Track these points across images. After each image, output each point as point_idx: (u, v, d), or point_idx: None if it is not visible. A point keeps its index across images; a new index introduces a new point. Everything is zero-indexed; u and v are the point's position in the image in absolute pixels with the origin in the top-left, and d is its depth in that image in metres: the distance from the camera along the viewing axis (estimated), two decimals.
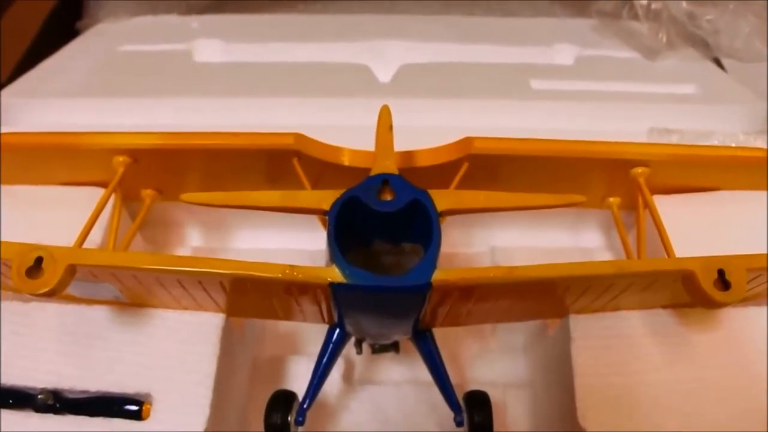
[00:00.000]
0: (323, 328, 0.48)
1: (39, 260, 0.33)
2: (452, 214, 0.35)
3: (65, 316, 0.41)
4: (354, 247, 0.35)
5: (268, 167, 0.43)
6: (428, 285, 0.32)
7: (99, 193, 0.44)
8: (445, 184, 0.39)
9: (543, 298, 0.38)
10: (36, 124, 0.50)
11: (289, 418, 0.39)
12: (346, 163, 0.40)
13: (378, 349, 0.44)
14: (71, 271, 0.33)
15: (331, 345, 0.40)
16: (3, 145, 0.42)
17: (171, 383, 0.38)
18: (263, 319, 0.44)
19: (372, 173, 0.35)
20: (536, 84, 0.52)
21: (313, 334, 0.49)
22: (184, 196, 0.35)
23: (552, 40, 0.58)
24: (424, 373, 0.48)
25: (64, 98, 0.51)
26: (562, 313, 0.40)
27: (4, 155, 0.42)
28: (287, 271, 0.33)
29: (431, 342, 0.41)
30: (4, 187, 0.45)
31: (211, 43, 0.57)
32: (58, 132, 0.41)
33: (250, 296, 0.39)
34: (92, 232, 0.42)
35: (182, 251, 0.49)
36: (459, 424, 0.40)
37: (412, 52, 0.55)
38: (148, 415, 0.38)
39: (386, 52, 0.55)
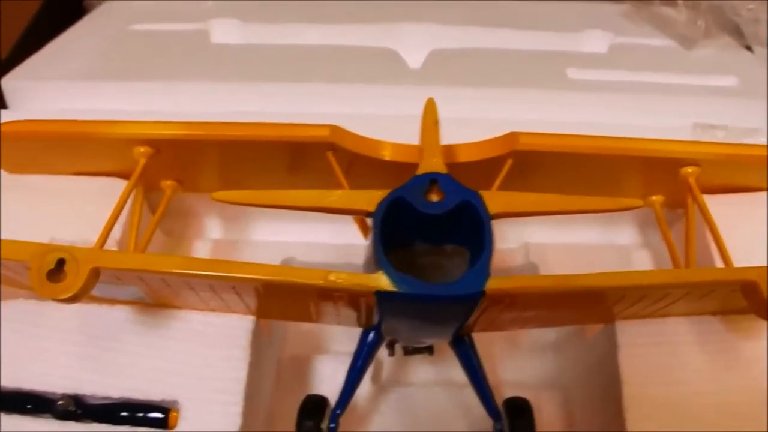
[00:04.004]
0: (348, 327, 0.47)
1: (60, 262, 0.31)
2: (504, 217, 0.33)
3: (84, 316, 0.38)
4: (393, 248, 0.33)
5: (296, 160, 0.40)
6: (481, 294, 0.30)
7: (114, 184, 0.42)
8: (484, 181, 0.37)
9: (593, 305, 0.36)
10: (43, 109, 0.47)
11: (321, 425, 0.37)
12: (387, 157, 0.38)
13: (411, 351, 0.42)
14: (95, 274, 0.31)
15: (366, 348, 0.38)
16: (13, 132, 0.39)
17: (199, 390, 0.36)
18: (294, 321, 0.42)
19: (419, 172, 0.33)
20: (571, 73, 0.50)
21: (337, 333, 0.48)
22: (216, 195, 0.33)
23: (582, 25, 0.55)
24: (454, 374, 0.47)
25: (73, 81, 0.48)
26: (608, 319, 0.39)
27: (12, 143, 0.40)
28: (331, 278, 0.31)
29: (470, 347, 0.39)
30: (10, 177, 0.43)
31: (229, 24, 0.53)
32: (74, 120, 0.38)
33: (283, 299, 0.37)
34: (101, 225, 0.40)
35: (201, 244, 0.47)
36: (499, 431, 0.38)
37: (441, 37, 0.52)
38: (175, 424, 0.36)
39: (413, 36, 0.52)
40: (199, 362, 0.37)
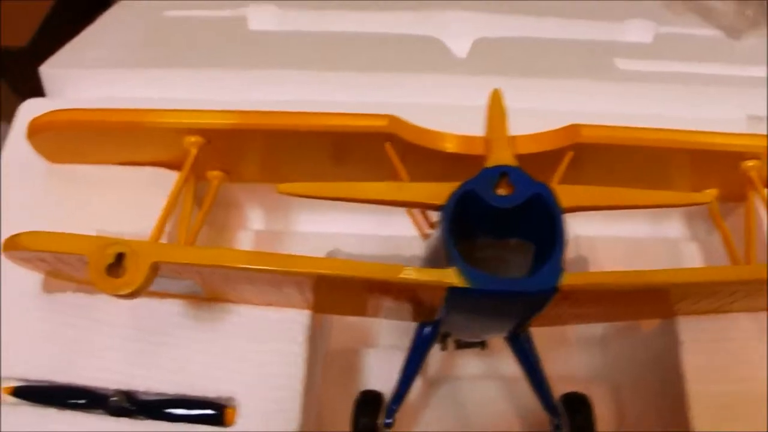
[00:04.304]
0: (393, 320, 0.46)
1: (119, 256, 0.30)
2: (574, 211, 0.32)
3: (135, 310, 0.38)
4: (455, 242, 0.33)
5: (348, 150, 0.39)
6: (555, 290, 0.29)
7: (161, 174, 0.41)
8: (540, 173, 0.37)
9: (659, 300, 0.36)
10: (83, 97, 0.46)
11: (378, 421, 0.37)
12: (451, 149, 0.37)
13: (463, 345, 0.42)
14: (155, 269, 0.30)
15: (422, 343, 0.38)
16: (60, 121, 0.38)
17: (256, 386, 0.35)
18: (346, 315, 0.41)
19: (488, 164, 0.32)
20: (618, 63, 0.49)
21: (382, 326, 0.47)
22: (283, 187, 0.32)
23: (625, 15, 0.54)
24: (504, 367, 0.46)
25: (111, 69, 0.47)
26: (668, 314, 0.38)
27: (57, 132, 0.39)
28: (404, 275, 0.30)
29: (528, 342, 0.38)
30: (52, 166, 0.42)
31: (267, 10, 0.52)
32: (123, 109, 0.37)
33: (340, 293, 0.36)
34: (149, 216, 0.39)
35: (244, 235, 0.46)
36: (557, 428, 0.38)
37: (485, 26, 0.51)
38: (232, 421, 0.35)
39: (457, 24, 0.51)
40: (256, 358, 0.36)
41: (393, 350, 0.46)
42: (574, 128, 0.37)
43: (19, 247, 0.32)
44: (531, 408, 0.44)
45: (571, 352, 0.47)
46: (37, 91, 0.47)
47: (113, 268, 0.30)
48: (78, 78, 0.46)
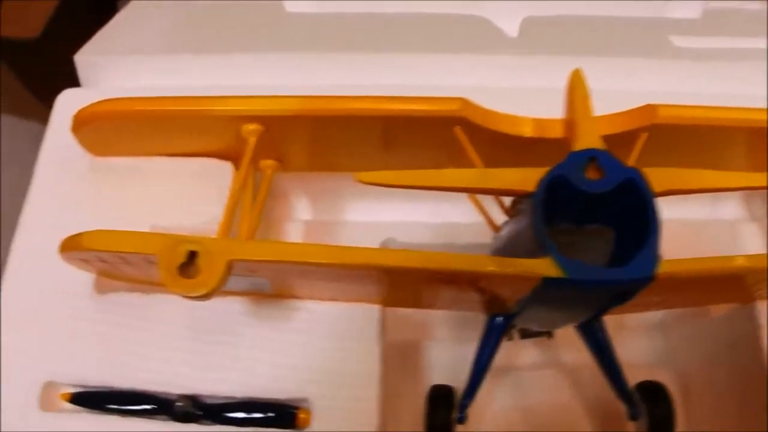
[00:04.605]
0: (448, 312, 0.44)
1: (190, 255, 0.28)
2: (666, 195, 0.31)
3: (194, 309, 0.36)
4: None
5: (411, 136, 0.38)
6: (652, 278, 0.28)
7: (212, 165, 0.39)
8: None
9: (743, 285, 0.34)
10: (121, 85, 0.44)
11: (452, 416, 0.36)
12: (527, 134, 0.35)
13: (529, 335, 0.41)
14: (230, 267, 0.28)
15: (495, 335, 0.36)
16: (108, 112, 0.36)
17: (330, 386, 0.34)
18: (408, 307, 0.40)
19: (576, 148, 0.31)
20: (672, 40, 0.48)
21: (437, 317, 0.46)
22: (361, 176, 0.30)
23: None
24: (565, 356, 0.45)
25: (148, 56, 0.45)
26: (745, 299, 0.37)
27: (107, 124, 0.37)
28: (493, 266, 0.29)
29: (601, 330, 0.37)
30: (96, 160, 0.40)
31: None
32: (178, 97, 0.35)
33: (408, 286, 0.34)
34: (202, 210, 0.38)
35: (292, 226, 0.44)
36: (633, 417, 0.37)
37: (532, 4, 0.49)
38: (307, 423, 0.34)
39: (504, 3, 0.49)
40: (327, 356, 0.34)
41: (448, 342, 0.45)
42: (650, 108, 0.36)
43: (81, 247, 0.30)
44: (595, 397, 0.44)
45: (632, 339, 0.46)
46: (50, 81, 0.44)
47: (185, 267, 0.28)
48: (114, 66, 0.44)
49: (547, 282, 0.28)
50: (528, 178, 0.30)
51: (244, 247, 0.30)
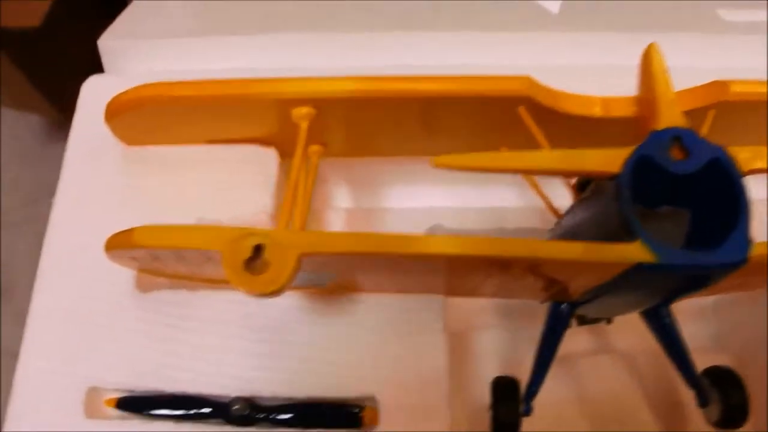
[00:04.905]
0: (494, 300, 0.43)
1: (256, 249, 0.26)
2: (752, 174, 0.29)
3: (246, 306, 0.34)
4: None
5: (468, 118, 0.35)
6: (745, 261, 0.26)
7: (256, 152, 0.37)
8: None
9: None
10: (147, 69, 0.41)
11: (519, 409, 0.34)
12: (597, 114, 0.33)
13: (588, 321, 0.39)
14: (300, 261, 0.26)
15: (560, 324, 0.35)
16: (148, 97, 0.33)
17: (397, 383, 0.32)
18: (472, 297, 0.38)
19: (657, 127, 0.29)
20: (722, 14, 0.46)
21: (482, 306, 0.44)
22: (438, 160, 0.28)
23: None
24: (619, 342, 0.43)
25: (172, 39, 0.42)
26: None
27: (145, 111, 0.34)
28: (588, 251, 0.27)
29: (669, 316, 0.36)
30: (130, 150, 0.37)
31: None
32: (225, 80, 0.33)
33: (469, 274, 0.32)
34: (249, 199, 0.35)
35: (334, 214, 0.42)
36: (703, 404, 0.35)
37: None
38: (375, 422, 0.32)
39: None
40: (393, 351, 0.32)
41: (497, 330, 0.43)
42: (720, 85, 0.34)
43: (133, 244, 0.28)
44: (654, 384, 0.42)
45: (684, 323, 0.44)
46: (52, 72, 0.41)
47: (250, 263, 0.26)
48: (140, 50, 0.41)
49: (638, 268, 0.26)
50: (612, 158, 0.28)
51: (316, 238, 0.27)
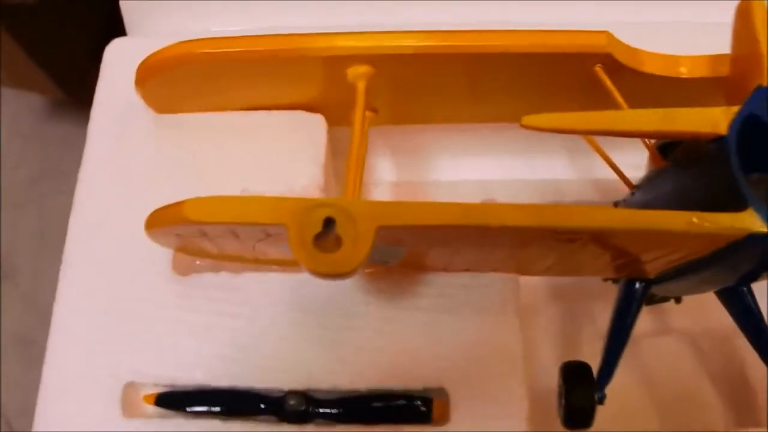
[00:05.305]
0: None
1: (327, 223, 0.23)
2: None
3: (297, 289, 0.30)
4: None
5: (538, 78, 0.32)
6: None
7: (301, 117, 0.34)
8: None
9: None
10: (174, 31, 0.37)
11: (593, 397, 0.31)
12: (686, 74, 0.30)
13: (657, 300, 0.36)
14: (378, 236, 0.23)
15: (635, 303, 0.32)
16: (182, 56, 0.30)
17: (469, 372, 0.29)
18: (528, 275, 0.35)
19: (765, 83, 0.26)
20: None
21: (533, 285, 0.40)
22: (527, 120, 0.25)
23: None
24: (677, 321, 0.40)
25: None
26: None
27: (175, 73, 0.30)
28: (694, 222, 0.24)
29: (751, 294, 0.33)
30: (161, 118, 0.34)
31: None
32: (274, 35, 0.29)
33: (541, 251, 0.29)
34: (298, 168, 0.32)
35: (376, 189, 0.39)
36: None
37: None
38: (446, 417, 0.28)
39: None
40: (463, 337, 0.29)
41: (551, 311, 0.40)
42: None
43: (184, 220, 0.24)
44: (721, 366, 0.39)
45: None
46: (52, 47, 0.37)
47: (319, 239, 0.23)
48: (165, 10, 0.38)
49: (750, 238, 0.24)
50: (714, 118, 0.25)
51: (398, 209, 0.23)
